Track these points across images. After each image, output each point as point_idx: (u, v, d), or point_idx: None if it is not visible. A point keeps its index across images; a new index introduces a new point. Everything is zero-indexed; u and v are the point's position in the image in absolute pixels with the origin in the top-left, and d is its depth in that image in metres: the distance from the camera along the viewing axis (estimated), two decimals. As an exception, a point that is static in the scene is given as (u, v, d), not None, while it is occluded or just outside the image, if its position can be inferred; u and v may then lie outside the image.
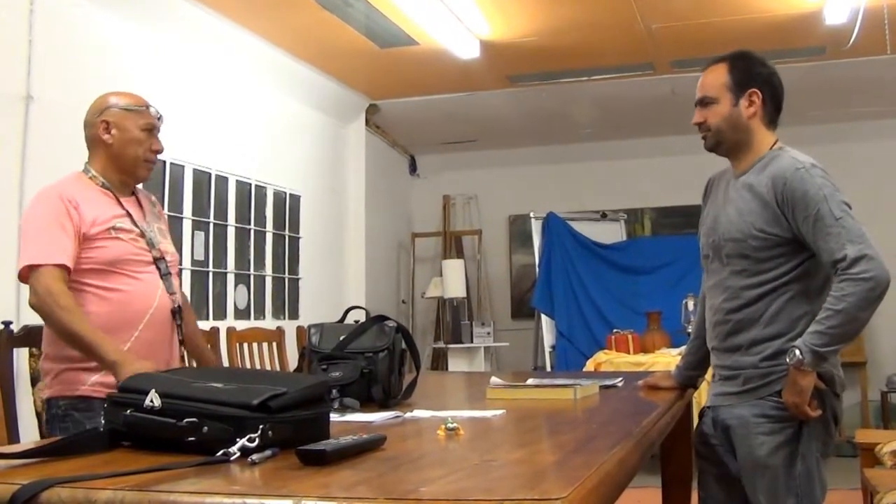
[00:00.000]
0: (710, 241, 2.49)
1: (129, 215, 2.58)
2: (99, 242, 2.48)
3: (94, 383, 2.43)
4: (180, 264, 3.32)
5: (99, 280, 2.48)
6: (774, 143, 2.44)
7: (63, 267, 2.40)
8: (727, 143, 2.45)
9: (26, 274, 2.41)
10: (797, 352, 2.22)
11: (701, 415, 2.60)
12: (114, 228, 2.51)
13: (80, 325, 2.35)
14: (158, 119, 2.66)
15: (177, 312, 2.63)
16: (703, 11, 5.35)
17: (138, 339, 2.49)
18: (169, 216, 3.91)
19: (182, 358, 2.77)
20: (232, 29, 5.36)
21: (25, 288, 2.46)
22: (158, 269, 2.59)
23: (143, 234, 2.58)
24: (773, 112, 2.45)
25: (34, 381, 3.11)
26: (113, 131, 2.57)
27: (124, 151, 2.58)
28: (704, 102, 2.44)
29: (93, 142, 2.61)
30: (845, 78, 6.58)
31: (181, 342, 2.69)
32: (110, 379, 2.32)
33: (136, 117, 2.59)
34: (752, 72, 2.42)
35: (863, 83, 6.73)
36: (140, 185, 2.76)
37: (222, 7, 5.10)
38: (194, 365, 2.92)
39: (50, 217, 2.44)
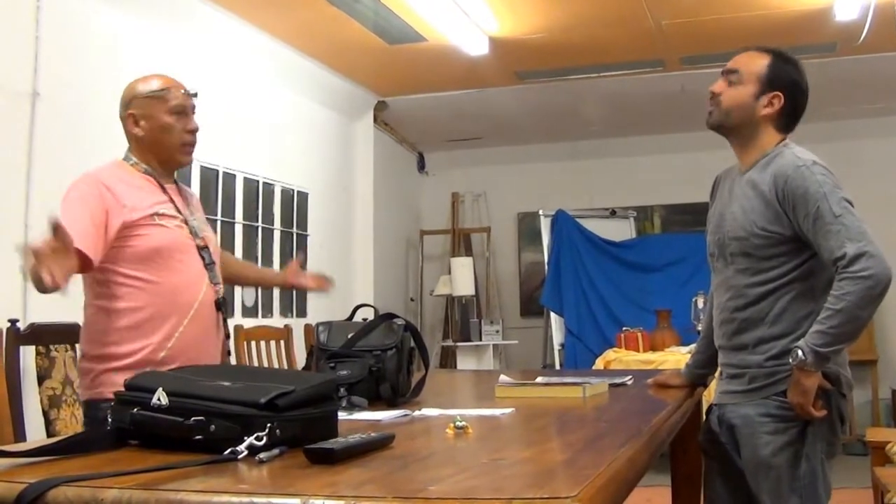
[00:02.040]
0: (715, 239, 2.48)
1: (173, 202, 2.47)
2: (141, 230, 2.36)
3: None
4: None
5: (140, 270, 2.36)
6: (780, 141, 2.43)
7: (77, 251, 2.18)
8: (729, 126, 2.43)
9: None
10: (799, 352, 2.21)
11: (707, 412, 2.59)
12: (157, 215, 2.39)
13: None
14: (192, 96, 2.51)
15: (221, 304, 2.50)
16: (714, 8, 5.33)
17: (183, 334, 2.38)
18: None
19: (228, 353, 2.61)
20: (240, 25, 5.36)
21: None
22: (202, 258, 2.47)
23: (186, 222, 2.47)
24: (788, 119, 2.43)
25: (41, 379, 3.12)
26: (141, 123, 2.45)
27: (158, 141, 2.46)
28: (731, 79, 2.42)
29: (127, 136, 2.50)
30: (856, 75, 6.55)
31: (227, 336, 2.57)
32: None
33: (161, 103, 2.45)
34: (786, 76, 2.40)
35: (873, 80, 6.69)
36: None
37: (230, 4, 5.10)
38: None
39: (78, 199, 2.31)
